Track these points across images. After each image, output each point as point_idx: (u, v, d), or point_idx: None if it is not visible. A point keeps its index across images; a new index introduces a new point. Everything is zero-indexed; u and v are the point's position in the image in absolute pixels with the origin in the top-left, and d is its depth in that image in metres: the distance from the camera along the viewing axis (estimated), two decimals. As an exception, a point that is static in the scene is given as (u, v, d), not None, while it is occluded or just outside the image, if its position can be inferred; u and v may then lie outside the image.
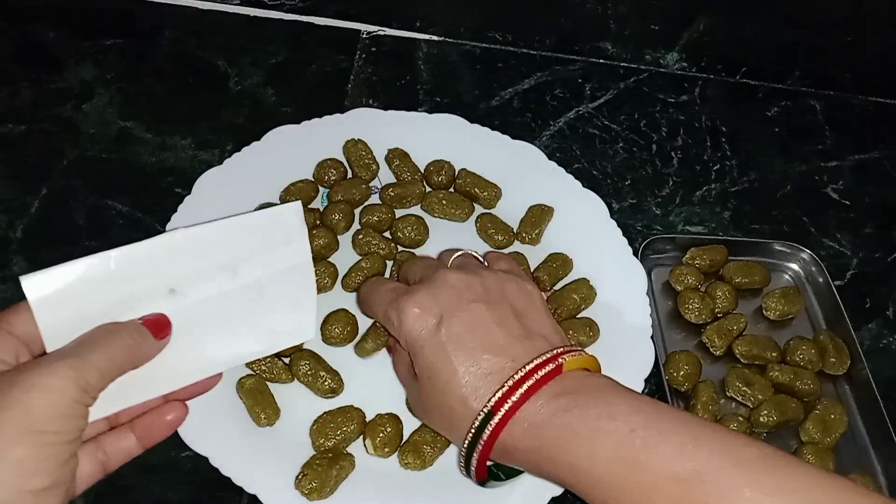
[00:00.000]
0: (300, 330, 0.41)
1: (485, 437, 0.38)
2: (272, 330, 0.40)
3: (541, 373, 0.38)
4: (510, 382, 0.38)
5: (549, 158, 0.61)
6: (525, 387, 0.38)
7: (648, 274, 0.57)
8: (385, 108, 0.64)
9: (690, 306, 0.55)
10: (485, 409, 0.38)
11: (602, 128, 0.69)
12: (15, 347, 0.34)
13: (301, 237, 0.39)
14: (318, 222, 0.57)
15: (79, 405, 0.31)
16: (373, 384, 0.49)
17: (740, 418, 0.50)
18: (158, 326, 0.37)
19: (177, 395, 0.38)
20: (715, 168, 0.67)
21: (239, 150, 0.59)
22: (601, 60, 0.74)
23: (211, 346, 0.38)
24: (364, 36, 0.73)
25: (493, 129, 0.63)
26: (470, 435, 0.39)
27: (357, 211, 0.58)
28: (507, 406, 0.38)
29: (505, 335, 0.41)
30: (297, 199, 0.38)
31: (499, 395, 0.38)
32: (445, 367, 0.40)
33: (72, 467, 0.32)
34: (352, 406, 0.48)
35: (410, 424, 0.48)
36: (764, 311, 0.57)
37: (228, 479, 0.43)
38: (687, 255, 0.58)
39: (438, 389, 0.41)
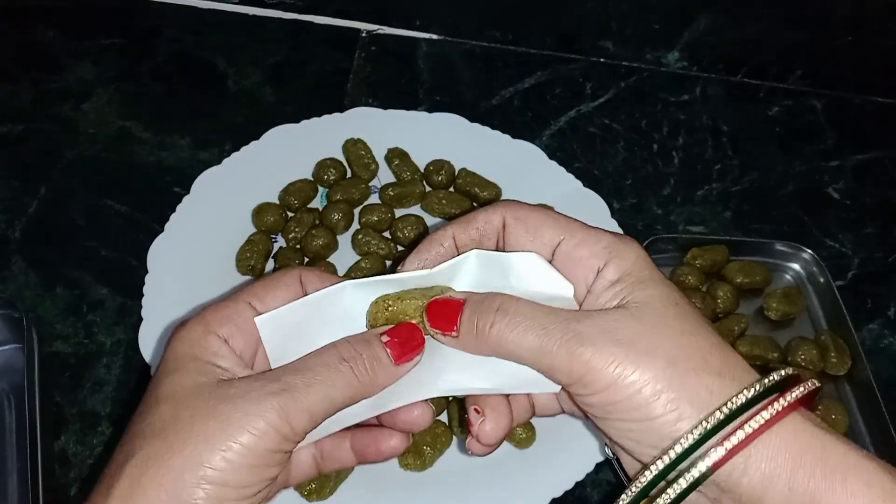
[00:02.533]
0: (544, 381, 0.31)
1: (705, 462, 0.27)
2: (514, 372, 0.32)
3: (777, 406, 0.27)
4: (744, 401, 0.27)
5: (550, 158, 0.61)
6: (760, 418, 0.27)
7: (649, 274, 0.57)
8: (385, 108, 0.64)
9: (691, 306, 0.55)
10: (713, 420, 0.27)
11: (603, 127, 0.68)
12: (237, 350, 0.30)
13: (560, 283, 0.32)
14: (317, 222, 0.57)
15: (275, 454, 0.28)
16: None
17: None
18: (405, 347, 0.31)
19: (385, 419, 0.33)
20: (716, 168, 0.67)
21: (238, 149, 0.59)
22: (602, 59, 0.74)
23: (442, 372, 0.32)
24: (364, 35, 0.73)
25: (493, 128, 0.62)
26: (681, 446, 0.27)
27: (356, 211, 0.58)
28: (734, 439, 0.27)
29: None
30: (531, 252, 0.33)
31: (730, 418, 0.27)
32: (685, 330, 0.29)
33: None
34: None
35: (410, 425, 0.48)
36: (765, 312, 0.57)
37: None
38: (688, 255, 0.58)
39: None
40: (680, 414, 0.27)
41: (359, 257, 0.55)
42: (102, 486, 0.27)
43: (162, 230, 0.54)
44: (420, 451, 0.46)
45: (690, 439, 0.27)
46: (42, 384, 0.48)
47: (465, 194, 0.59)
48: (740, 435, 0.27)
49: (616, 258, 0.31)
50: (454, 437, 0.48)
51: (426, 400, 0.32)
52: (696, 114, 0.71)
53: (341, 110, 0.63)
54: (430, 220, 0.58)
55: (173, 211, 0.55)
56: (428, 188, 0.59)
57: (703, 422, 0.27)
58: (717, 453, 0.26)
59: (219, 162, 0.58)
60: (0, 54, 0.68)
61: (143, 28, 0.71)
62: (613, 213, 0.58)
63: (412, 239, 0.56)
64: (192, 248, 0.54)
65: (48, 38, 0.69)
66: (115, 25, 0.71)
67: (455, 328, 0.31)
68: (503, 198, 0.59)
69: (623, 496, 0.28)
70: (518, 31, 0.75)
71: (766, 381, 0.28)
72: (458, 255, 0.33)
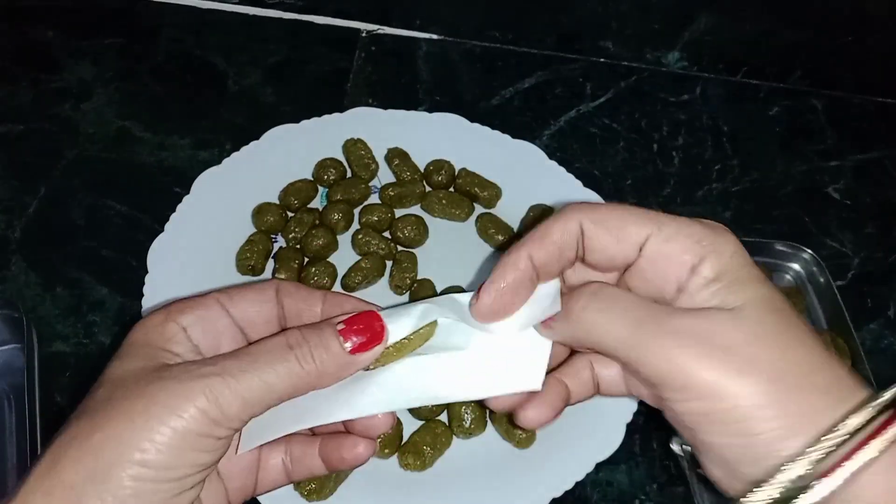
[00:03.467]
0: (526, 378, 0.30)
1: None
2: (491, 373, 0.31)
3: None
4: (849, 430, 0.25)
5: (550, 158, 0.61)
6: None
7: (649, 274, 0.57)
8: (385, 108, 0.63)
9: (691, 306, 0.55)
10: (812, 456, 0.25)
11: (603, 127, 0.68)
12: (192, 339, 0.29)
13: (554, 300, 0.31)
14: (317, 222, 0.57)
15: (205, 439, 0.26)
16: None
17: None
18: (362, 335, 0.29)
19: (351, 426, 0.31)
20: (716, 168, 0.67)
21: (238, 149, 0.59)
22: (602, 59, 0.74)
23: (408, 377, 0.30)
24: (363, 35, 0.73)
25: (493, 128, 0.62)
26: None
27: (356, 210, 0.58)
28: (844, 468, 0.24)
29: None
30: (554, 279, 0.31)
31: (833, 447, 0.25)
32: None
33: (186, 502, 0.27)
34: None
35: (410, 425, 0.48)
36: (765, 312, 0.57)
37: (227, 481, 0.43)
38: (688, 255, 0.58)
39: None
40: (784, 433, 0.25)
41: (359, 257, 0.55)
42: (31, 466, 0.27)
43: (162, 230, 0.54)
44: (420, 451, 0.46)
45: (803, 466, 0.24)
46: (42, 384, 0.48)
47: (465, 194, 0.59)
48: (857, 462, 0.24)
49: (712, 253, 0.28)
50: (454, 437, 0.48)
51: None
52: (696, 114, 0.71)
53: (341, 110, 0.63)
54: (430, 220, 0.57)
55: (173, 211, 0.55)
56: (428, 188, 0.59)
57: (817, 445, 0.24)
58: (832, 482, 0.24)
59: (219, 162, 0.58)
60: (0, 54, 0.68)
61: (143, 28, 0.71)
62: (613, 213, 0.58)
63: (412, 239, 0.56)
64: (192, 248, 0.54)
65: (48, 38, 0.69)
66: (115, 25, 0.71)
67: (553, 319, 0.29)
68: (503, 199, 0.59)
69: None
70: (518, 31, 0.75)
71: (880, 401, 0.25)
72: (538, 277, 0.30)
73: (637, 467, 0.50)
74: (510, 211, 0.58)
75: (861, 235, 0.64)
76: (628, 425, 0.48)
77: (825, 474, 0.24)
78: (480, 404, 0.48)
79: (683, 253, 0.28)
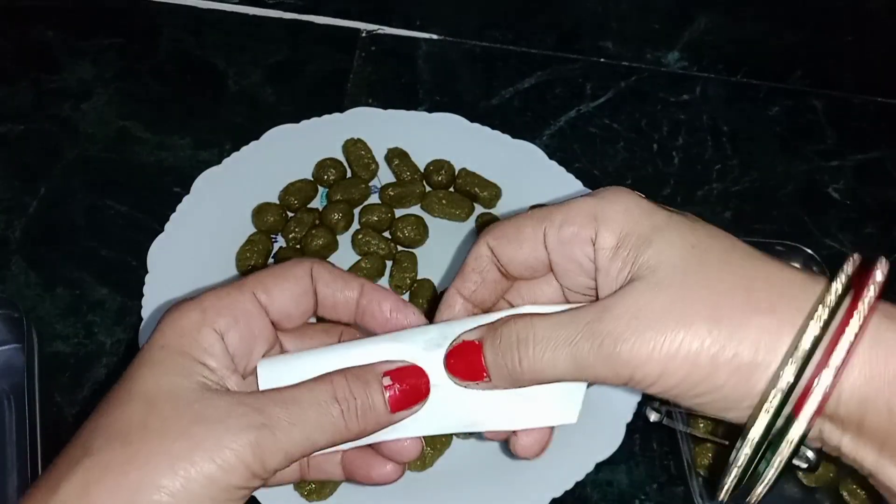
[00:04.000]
0: (562, 412, 0.30)
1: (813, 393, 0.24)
2: (528, 405, 0.30)
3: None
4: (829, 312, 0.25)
5: (550, 158, 0.61)
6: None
7: (649, 274, 0.57)
8: (385, 108, 0.63)
9: (691, 306, 0.55)
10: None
11: (603, 127, 0.68)
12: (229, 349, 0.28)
13: None
14: (317, 222, 0.57)
15: (240, 490, 0.26)
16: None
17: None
18: (407, 395, 0.28)
19: (379, 449, 0.31)
20: (716, 168, 0.67)
21: (238, 149, 0.59)
22: (602, 59, 0.74)
23: (444, 404, 0.30)
24: (363, 35, 0.73)
25: (493, 128, 0.62)
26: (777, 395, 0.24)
27: (356, 210, 0.58)
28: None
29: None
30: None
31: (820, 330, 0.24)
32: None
33: None
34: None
35: (410, 425, 0.48)
36: (765, 312, 0.57)
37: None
38: (688, 255, 0.58)
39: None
40: (748, 371, 0.24)
41: (359, 257, 0.55)
42: (51, 477, 0.25)
43: (162, 230, 0.54)
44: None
45: (770, 410, 0.24)
46: (42, 384, 0.48)
47: (465, 194, 0.59)
48: (826, 379, 0.23)
49: (603, 220, 0.27)
50: (454, 437, 0.48)
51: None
52: (696, 114, 0.70)
53: (341, 110, 0.63)
54: (430, 220, 0.57)
55: (173, 211, 0.55)
56: (428, 188, 0.59)
57: (779, 378, 0.24)
58: (809, 410, 0.24)
59: (219, 162, 0.58)
60: (0, 54, 0.68)
61: (143, 28, 0.71)
62: (613, 213, 0.58)
63: (412, 239, 0.56)
64: (192, 248, 0.54)
65: (48, 38, 0.69)
66: (115, 25, 0.71)
67: (484, 374, 0.28)
68: (503, 199, 0.59)
69: (726, 479, 0.26)
70: (518, 31, 0.75)
71: (830, 298, 0.25)
72: (475, 310, 0.31)
73: (637, 467, 0.50)
74: (510, 211, 0.58)
75: (861, 235, 0.64)
76: (628, 425, 0.48)
77: (800, 402, 0.24)
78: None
79: (578, 232, 0.28)
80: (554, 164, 0.61)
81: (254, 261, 0.53)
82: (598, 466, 0.47)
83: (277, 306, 0.29)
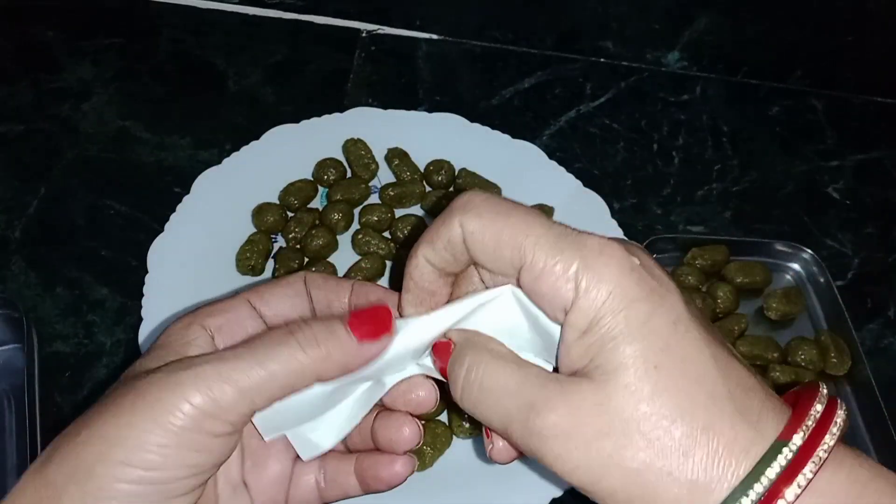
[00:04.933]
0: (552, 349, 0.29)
1: None
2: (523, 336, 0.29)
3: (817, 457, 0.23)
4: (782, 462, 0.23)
5: (550, 158, 0.61)
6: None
7: (649, 274, 0.57)
8: (385, 108, 0.63)
9: (691, 306, 0.55)
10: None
11: (603, 127, 0.68)
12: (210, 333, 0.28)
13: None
14: (317, 222, 0.57)
15: (196, 435, 0.24)
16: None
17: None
18: (370, 324, 0.27)
19: (378, 440, 0.30)
20: (716, 168, 0.67)
21: (238, 149, 0.59)
22: (602, 59, 0.74)
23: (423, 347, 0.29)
24: (363, 35, 0.73)
25: (493, 128, 0.62)
26: None
27: (356, 210, 0.58)
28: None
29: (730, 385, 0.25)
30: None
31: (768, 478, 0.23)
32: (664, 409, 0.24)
33: None
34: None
35: (410, 425, 0.48)
36: (765, 312, 0.57)
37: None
38: (688, 255, 0.58)
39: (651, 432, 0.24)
40: (692, 491, 0.23)
41: (359, 257, 0.55)
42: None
43: (162, 230, 0.54)
44: (420, 451, 0.46)
45: None
46: (42, 384, 0.48)
47: (465, 194, 0.59)
48: None
49: (584, 296, 0.24)
50: (454, 437, 0.48)
51: (429, 378, 0.29)
52: (696, 114, 0.71)
53: (341, 110, 0.63)
54: (430, 221, 0.57)
55: (173, 211, 0.55)
56: (428, 188, 0.59)
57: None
58: None
59: (219, 162, 0.58)
60: (0, 54, 0.68)
61: (143, 28, 0.71)
62: (613, 214, 0.58)
63: (412, 239, 0.56)
64: (192, 248, 0.54)
65: (48, 38, 0.69)
66: (115, 25, 0.71)
67: (446, 374, 0.28)
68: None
69: None
70: (518, 31, 0.75)
71: (788, 450, 0.23)
72: (442, 280, 0.29)
73: (637, 467, 0.50)
74: (510, 211, 0.58)
75: (861, 235, 0.64)
76: (628, 425, 0.48)
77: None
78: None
79: (555, 295, 0.25)
80: (554, 164, 0.60)
81: (254, 261, 0.53)
82: (598, 466, 0.47)
83: (273, 309, 0.29)
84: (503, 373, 0.26)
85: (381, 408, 0.30)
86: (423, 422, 0.48)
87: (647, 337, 0.24)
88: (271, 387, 0.25)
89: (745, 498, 0.23)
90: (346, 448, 0.31)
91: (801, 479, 0.23)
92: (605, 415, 0.24)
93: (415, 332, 0.29)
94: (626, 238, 0.32)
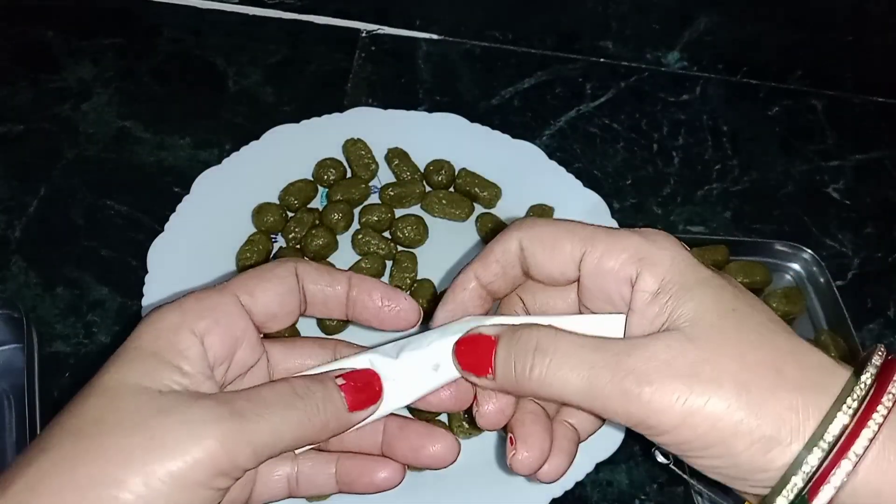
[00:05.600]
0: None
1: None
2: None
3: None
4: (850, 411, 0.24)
5: (550, 158, 0.61)
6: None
7: (649, 274, 0.57)
8: (384, 108, 0.63)
9: (691, 306, 0.55)
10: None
11: (603, 127, 0.68)
12: (207, 357, 0.27)
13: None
14: (317, 222, 0.57)
15: (205, 491, 0.24)
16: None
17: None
18: (361, 394, 0.28)
19: (394, 449, 0.30)
20: (716, 168, 0.67)
21: (238, 149, 0.59)
22: (602, 59, 0.74)
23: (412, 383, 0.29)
24: (363, 35, 0.73)
25: (493, 128, 0.62)
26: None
27: (356, 210, 0.58)
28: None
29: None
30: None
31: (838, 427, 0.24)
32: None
33: None
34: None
35: (410, 425, 0.48)
36: (765, 312, 0.57)
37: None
38: (688, 255, 0.58)
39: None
40: (767, 444, 0.24)
41: (359, 257, 0.55)
42: (6, 478, 0.24)
43: (162, 230, 0.54)
44: (420, 451, 0.46)
45: (798, 479, 0.24)
46: (42, 384, 0.48)
47: (465, 194, 0.59)
48: (846, 467, 0.23)
49: (650, 264, 0.27)
50: (454, 438, 0.48)
51: (454, 434, 0.30)
52: (696, 114, 0.70)
53: (341, 110, 0.63)
54: (430, 220, 0.57)
55: (173, 211, 0.55)
56: (428, 188, 0.59)
57: (804, 462, 0.24)
58: (825, 496, 0.23)
59: (218, 162, 0.58)
60: (0, 54, 0.68)
61: (143, 28, 0.71)
62: (613, 214, 0.58)
63: (412, 239, 0.56)
64: (192, 248, 0.54)
65: (48, 38, 0.69)
66: (115, 25, 0.71)
67: (490, 370, 0.27)
68: (503, 199, 0.59)
69: None
70: (518, 31, 0.75)
71: (859, 389, 0.24)
72: (488, 295, 0.30)
73: (637, 467, 0.50)
74: (510, 211, 0.58)
75: (861, 235, 0.64)
76: (628, 425, 0.48)
77: (818, 484, 0.23)
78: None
79: (620, 269, 0.27)
80: (554, 164, 0.60)
81: (254, 261, 0.53)
82: (598, 466, 0.47)
83: (261, 307, 0.28)
84: (575, 339, 0.27)
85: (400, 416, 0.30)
86: (423, 420, 0.48)
87: (717, 286, 0.26)
88: (277, 448, 0.25)
89: (816, 449, 0.24)
90: (318, 448, 0.31)
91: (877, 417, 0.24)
92: (698, 351, 0.25)
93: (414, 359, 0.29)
94: None
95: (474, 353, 0.28)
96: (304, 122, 0.61)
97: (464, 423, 0.48)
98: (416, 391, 0.29)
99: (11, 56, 0.68)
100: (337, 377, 0.28)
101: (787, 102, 0.72)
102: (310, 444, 0.27)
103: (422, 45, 0.73)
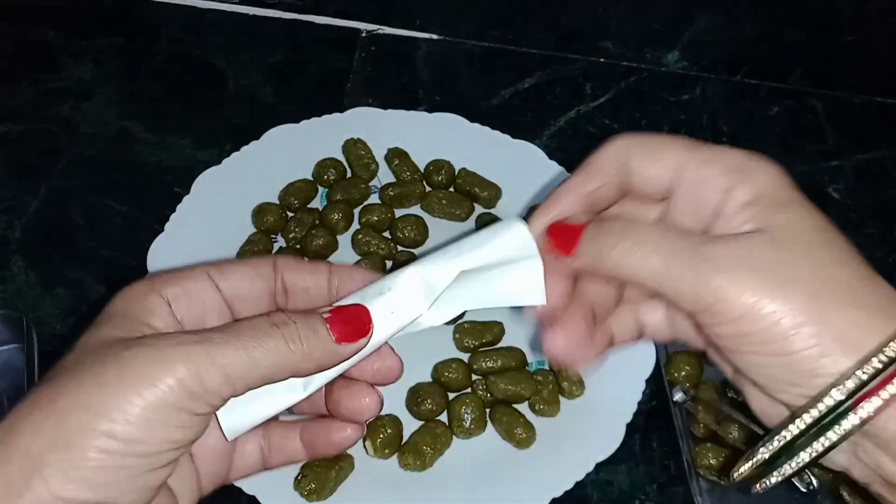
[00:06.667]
0: (529, 293, 0.30)
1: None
2: (493, 287, 0.30)
3: None
4: None
5: (550, 158, 0.61)
6: None
7: (649, 274, 0.57)
8: (384, 108, 0.63)
9: (691, 306, 0.55)
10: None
11: (603, 127, 0.68)
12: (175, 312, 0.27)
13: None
14: (317, 222, 0.57)
15: (180, 413, 0.24)
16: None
17: (741, 420, 0.50)
18: (349, 326, 0.28)
19: (337, 410, 0.30)
20: (716, 168, 0.67)
21: (238, 149, 0.59)
22: (602, 59, 0.74)
23: (405, 309, 0.29)
24: (364, 35, 0.73)
25: (493, 128, 0.62)
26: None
27: (356, 210, 0.58)
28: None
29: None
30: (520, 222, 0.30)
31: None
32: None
33: (149, 485, 0.25)
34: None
35: (410, 425, 0.48)
36: (765, 312, 0.57)
37: (227, 481, 0.43)
38: (688, 255, 0.58)
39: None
40: (823, 350, 0.24)
41: (359, 257, 0.55)
42: None
43: (162, 230, 0.54)
44: (420, 451, 0.46)
45: (844, 390, 0.24)
46: (42, 384, 0.48)
47: (465, 194, 0.59)
48: (892, 389, 0.23)
49: (749, 177, 0.28)
50: (454, 437, 0.48)
51: (373, 387, 0.30)
52: (696, 114, 0.70)
53: (341, 110, 0.63)
54: (430, 220, 0.57)
55: (173, 211, 0.55)
56: (428, 188, 0.59)
57: (859, 369, 0.24)
58: (872, 404, 0.24)
59: (219, 162, 0.58)
60: (0, 54, 0.68)
61: (143, 28, 0.71)
62: (613, 213, 0.58)
63: (412, 239, 0.56)
64: (193, 249, 0.54)
65: (48, 38, 0.69)
66: (115, 25, 0.71)
67: (574, 251, 0.29)
68: (503, 199, 0.59)
69: (763, 449, 0.26)
70: (518, 31, 0.75)
71: None
72: (588, 205, 0.30)
73: (637, 467, 0.50)
74: (510, 211, 0.58)
75: (861, 235, 0.64)
76: (628, 425, 0.48)
77: (862, 399, 0.24)
78: (480, 404, 0.48)
79: (719, 175, 0.28)
80: (554, 164, 0.60)
81: (254, 261, 0.53)
82: (598, 466, 0.47)
83: (230, 288, 0.29)
84: (659, 228, 0.28)
85: (340, 377, 0.30)
86: (422, 421, 0.48)
87: (811, 208, 0.27)
88: (253, 375, 0.25)
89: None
90: (290, 412, 0.31)
91: None
92: (779, 253, 0.26)
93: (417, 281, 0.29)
94: None
95: (564, 234, 0.29)
96: (304, 122, 0.61)
97: (463, 422, 0.48)
98: (407, 316, 0.29)
99: (11, 56, 0.68)
100: (323, 312, 0.28)
101: (787, 102, 0.72)
102: (296, 375, 0.27)
103: (422, 45, 0.73)
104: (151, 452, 0.24)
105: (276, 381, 0.27)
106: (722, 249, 0.26)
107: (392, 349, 0.30)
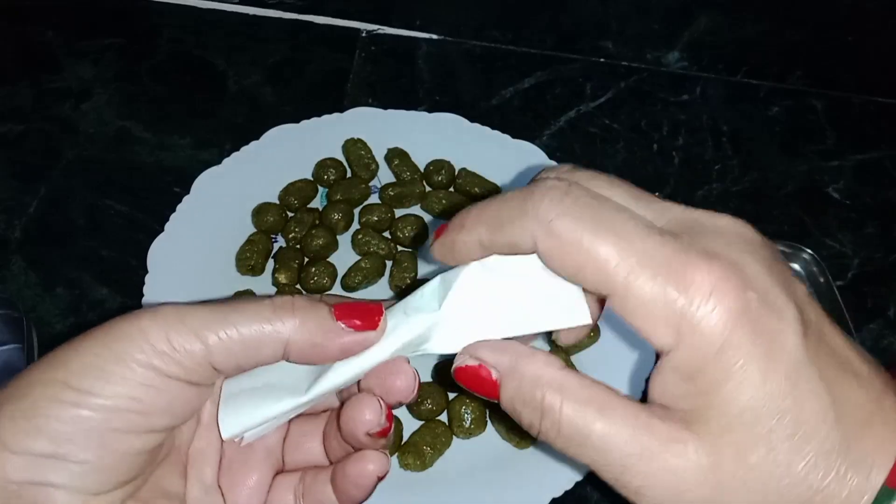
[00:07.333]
0: (572, 312, 0.26)
1: None
2: (533, 309, 0.26)
3: None
4: None
5: (550, 158, 0.61)
6: None
7: (649, 274, 0.57)
8: (384, 108, 0.63)
9: (691, 306, 0.55)
10: None
11: (603, 127, 0.68)
12: None
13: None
14: (317, 222, 0.57)
15: (145, 369, 0.23)
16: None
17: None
18: (358, 314, 0.25)
19: (370, 384, 0.27)
20: (716, 168, 0.67)
21: (238, 149, 0.59)
22: (602, 59, 0.74)
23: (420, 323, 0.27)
24: (363, 35, 0.73)
25: (493, 128, 0.62)
26: None
27: (356, 210, 0.58)
28: None
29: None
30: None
31: None
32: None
33: (112, 446, 0.23)
34: (351, 407, 0.47)
35: (410, 425, 0.48)
36: (765, 312, 0.56)
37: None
38: (688, 255, 0.58)
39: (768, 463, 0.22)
40: None
41: (358, 257, 0.55)
42: None
43: (162, 230, 0.54)
44: (420, 451, 0.46)
45: None
46: (42, 384, 0.48)
47: (465, 194, 0.59)
48: None
49: (688, 344, 0.21)
50: (454, 437, 0.48)
51: (409, 364, 0.27)
52: (696, 114, 0.70)
53: (341, 110, 0.63)
54: (431, 220, 0.57)
55: (173, 211, 0.55)
56: (428, 188, 0.59)
57: None
58: None
59: (218, 162, 0.58)
60: (0, 54, 0.68)
61: (142, 28, 0.71)
62: (613, 213, 0.58)
63: (412, 239, 0.56)
64: (192, 248, 0.54)
65: (48, 38, 0.69)
66: (115, 25, 0.71)
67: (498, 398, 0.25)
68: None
69: None
70: (518, 31, 0.75)
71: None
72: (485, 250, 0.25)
73: (637, 467, 0.50)
74: (510, 211, 0.58)
75: (861, 235, 0.64)
76: (628, 425, 0.48)
77: None
78: (480, 404, 0.48)
79: (650, 334, 0.22)
80: (554, 164, 0.60)
81: (254, 261, 0.53)
82: (598, 466, 0.47)
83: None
84: (586, 420, 0.23)
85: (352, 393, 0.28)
86: (422, 421, 0.48)
87: (759, 398, 0.21)
88: (230, 338, 0.24)
89: None
90: (329, 459, 0.29)
91: None
92: (712, 480, 0.22)
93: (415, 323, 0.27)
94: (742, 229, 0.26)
95: (479, 387, 0.25)
96: (304, 122, 0.61)
97: (463, 422, 0.48)
98: (422, 324, 0.27)
99: (11, 56, 0.68)
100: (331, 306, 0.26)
101: (787, 102, 0.72)
102: (291, 354, 0.25)
103: (422, 45, 0.73)
104: (109, 407, 0.23)
105: (266, 357, 0.24)
106: (648, 478, 0.22)
107: (406, 362, 0.27)
